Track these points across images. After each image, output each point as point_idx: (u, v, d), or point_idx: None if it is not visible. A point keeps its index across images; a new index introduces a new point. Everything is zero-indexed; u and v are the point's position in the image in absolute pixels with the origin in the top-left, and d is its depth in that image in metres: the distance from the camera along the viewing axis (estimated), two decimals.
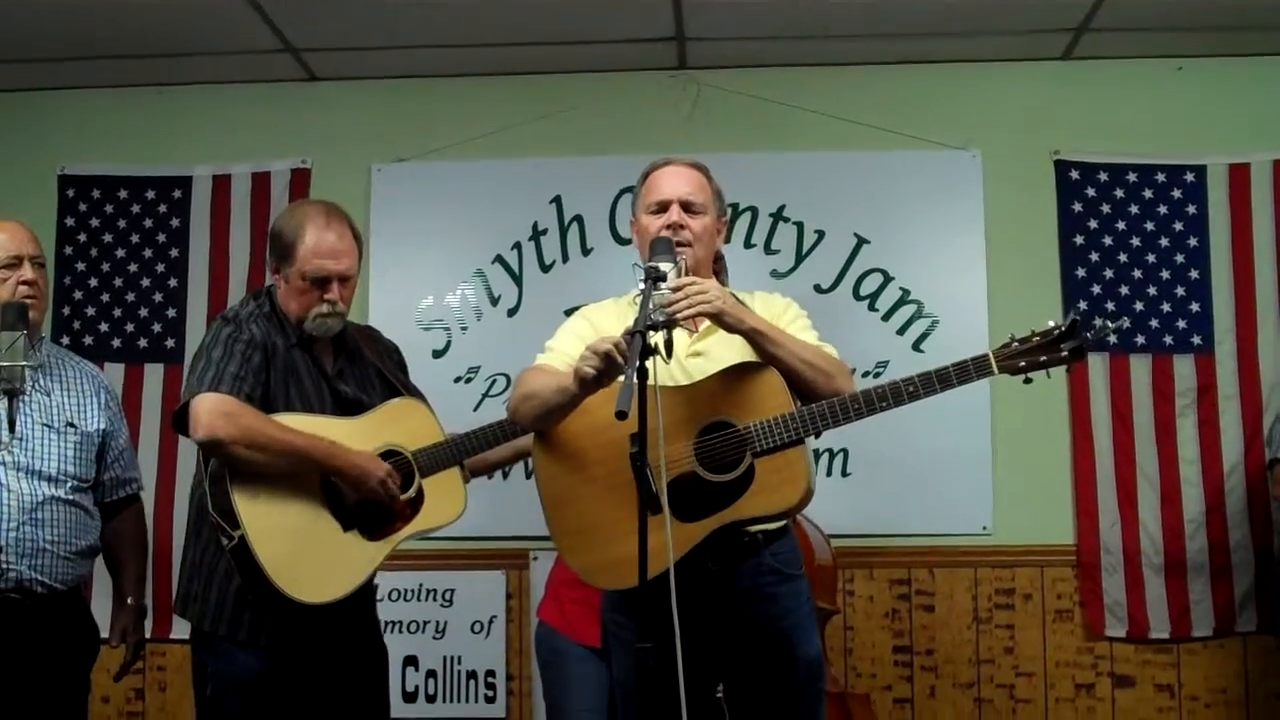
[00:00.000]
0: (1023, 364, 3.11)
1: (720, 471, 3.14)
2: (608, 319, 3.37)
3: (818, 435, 3.18)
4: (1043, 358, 3.10)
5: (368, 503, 3.55)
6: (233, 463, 3.42)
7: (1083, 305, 5.27)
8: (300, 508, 3.47)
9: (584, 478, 3.24)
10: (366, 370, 3.78)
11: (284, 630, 3.51)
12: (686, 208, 3.35)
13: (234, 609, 3.53)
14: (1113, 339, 3.05)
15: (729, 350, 3.28)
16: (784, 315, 3.41)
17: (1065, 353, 3.10)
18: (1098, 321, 3.10)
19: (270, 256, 3.70)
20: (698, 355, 3.31)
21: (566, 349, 3.34)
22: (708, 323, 3.31)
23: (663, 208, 3.36)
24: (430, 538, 3.77)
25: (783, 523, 3.28)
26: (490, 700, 5.28)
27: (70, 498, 3.63)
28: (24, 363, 3.35)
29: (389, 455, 3.60)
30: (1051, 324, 3.13)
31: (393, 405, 3.71)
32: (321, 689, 3.59)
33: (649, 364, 2.82)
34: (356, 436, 3.57)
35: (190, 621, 3.66)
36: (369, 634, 3.78)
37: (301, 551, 3.44)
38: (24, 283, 3.60)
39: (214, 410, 3.39)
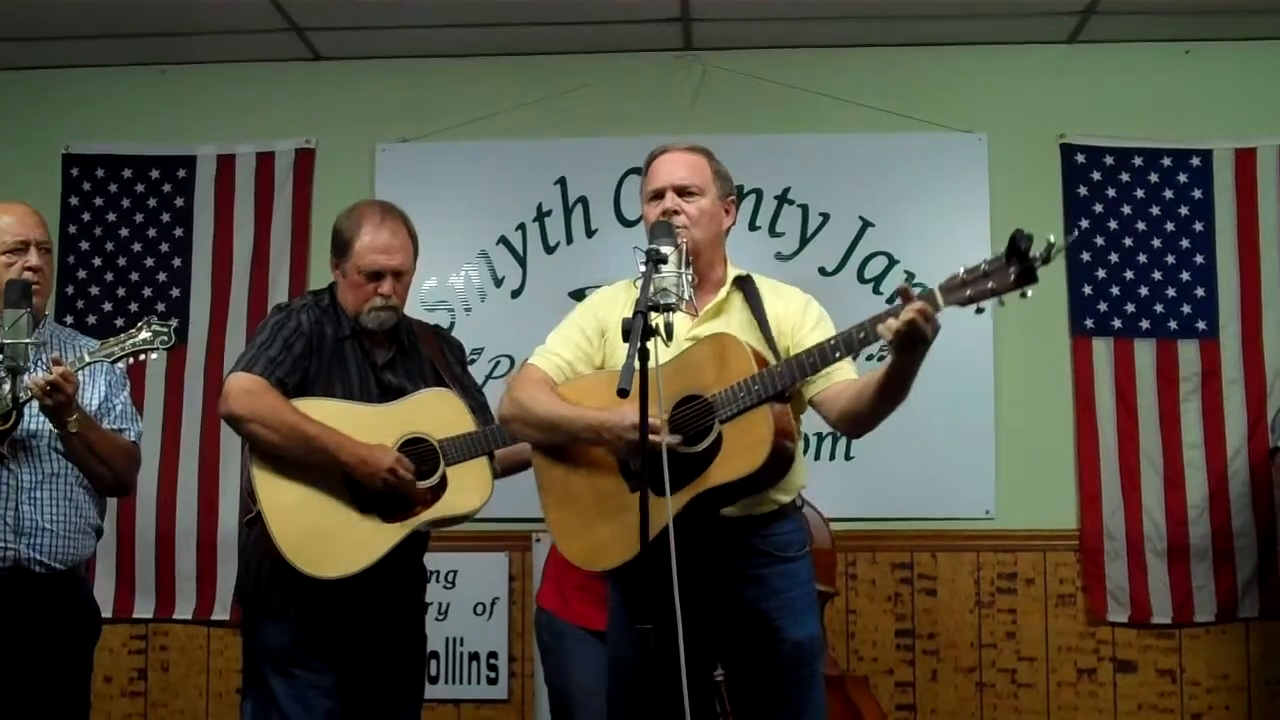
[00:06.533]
0: (969, 294, 2.88)
1: (692, 443, 3.12)
2: (615, 309, 3.34)
3: (782, 396, 3.11)
4: (990, 285, 2.84)
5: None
6: (250, 440, 3.58)
7: (1087, 290, 5.28)
8: (318, 487, 3.58)
9: (573, 465, 3.27)
10: (420, 363, 3.85)
11: (312, 605, 3.59)
12: (681, 192, 3.34)
13: (267, 585, 3.64)
14: (1060, 246, 2.67)
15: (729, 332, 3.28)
16: (805, 317, 3.36)
17: (1013, 277, 2.80)
18: (1052, 237, 2.83)
19: (331, 253, 3.83)
20: (698, 340, 3.29)
21: (562, 350, 3.38)
22: (709, 305, 3.31)
23: (659, 195, 3.35)
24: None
25: (776, 505, 3.26)
26: (493, 682, 5.29)
27: (70, 477, 3.62)
28: (28, 340, 3.37)
29: (414, 441, 3.65)
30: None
31: (425, 394, 3.76)
32: (352, 664, 3.68)
33: (650, 345, 2.82)
34: (384, 422, 3.65)
35: (236, 599, 3.86)
36: (407, 616, 3.84)
37: (314, 528, 3.56)
38: (29, 269, 3.60)
39: (239, 388, 3.56)
